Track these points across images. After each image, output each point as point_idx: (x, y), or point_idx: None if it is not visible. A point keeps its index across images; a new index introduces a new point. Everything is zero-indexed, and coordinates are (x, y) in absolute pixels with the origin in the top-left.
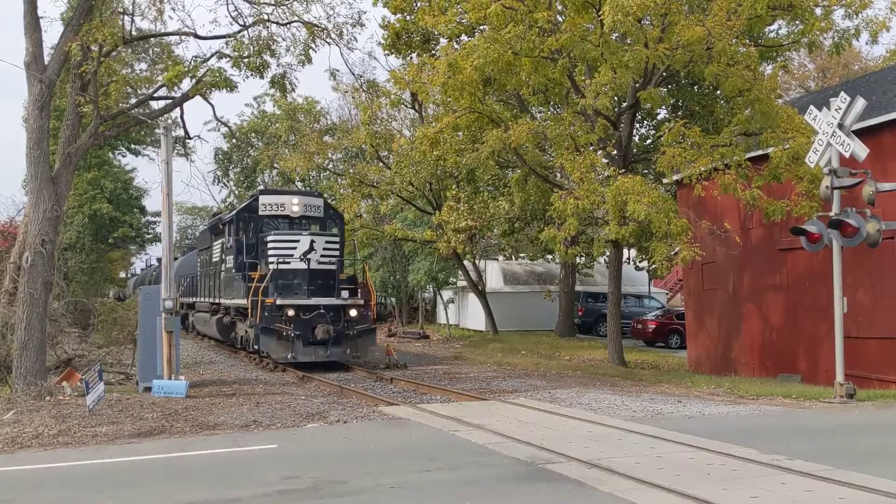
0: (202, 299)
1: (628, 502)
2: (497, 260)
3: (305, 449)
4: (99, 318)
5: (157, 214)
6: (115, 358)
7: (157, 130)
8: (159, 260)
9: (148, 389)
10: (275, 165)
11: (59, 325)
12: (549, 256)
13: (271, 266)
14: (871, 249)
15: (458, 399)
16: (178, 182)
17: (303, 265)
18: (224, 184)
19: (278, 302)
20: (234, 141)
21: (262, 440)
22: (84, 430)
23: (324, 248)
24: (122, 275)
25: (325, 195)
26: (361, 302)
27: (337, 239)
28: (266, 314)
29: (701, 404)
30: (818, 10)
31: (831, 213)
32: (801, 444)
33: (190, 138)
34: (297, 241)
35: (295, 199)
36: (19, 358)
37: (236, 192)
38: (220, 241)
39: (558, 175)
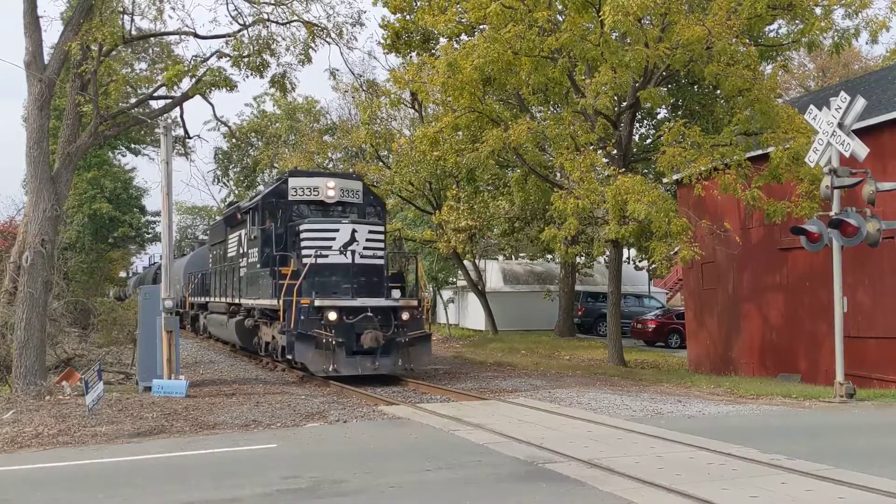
0: (216, 299)
1: (628, 502)
2: (497, 260)
3: (305, 448)
4: (99, 317)
5: (157, 214)
6: (114, 357)
7: (156, 130)
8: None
9: (148, 389)
10: (274, 165)
11: (58, 324)
12: (549, 256)
13: (306, 260)
14: (872, 249)
15: (458, 399)
16: (177, 182)
17: (345, 259)
18: (224, 183)
19: (317, 303)
20: (233, 140)
21: (262, 440)
22: (84, 429)
23: (367, 239)
24: (123, 274)
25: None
26: (415, 303)
27: (382, 228)
28: (302, 318)
29: (701, 404)
30: (818, 10)
31: (831, 213)
32: (801, 443)
33: (190, 138)
34: (337, 230)
35: (331, 182)
36: (19, 357)
37: (236, 192)
38: (239, 232)
39: (558, 175)
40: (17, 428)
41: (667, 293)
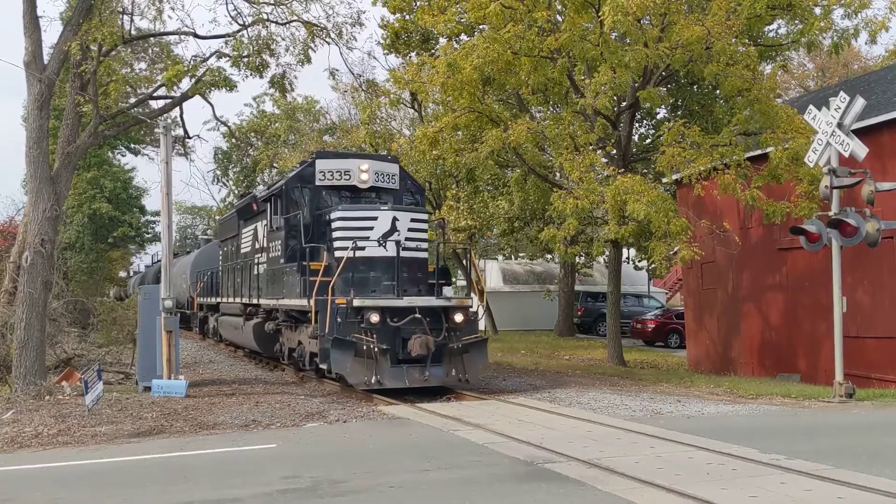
0: (229, 299)
1: (628, 502)
2: (497, 259)
3: (305, 448)
4: (98, 317)
5: (157, 214)
6: (114, 357)
7: (156, 130)
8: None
9: (147, 389)
10: (274, 165)
11: (58, 324)
12: (549, 256)
13: (339, 254)
14: (871, 249)
15: (458, 398)
16: (177, 182)
17: (384, 252)
18: (223, 183)
19: (356, 303)
20: (233, 141)
21: (262, 440)
22: (83, 429)
23: (409, 229)
24: (123, 274)
25: None
26: (469, 303)
27: (426, 216)
28: (339, 320)
29: (700, 404)
30: (817, 10)
31: (831, 213)
32: (801, 443)
33: (189, 138)
34: (375, 218)
35: (364, 164)
36: (19, 357)
37: (236, 192)
38: (255, 225)
39: (558, 175)
40: (16, 428)
41: (666, 293)
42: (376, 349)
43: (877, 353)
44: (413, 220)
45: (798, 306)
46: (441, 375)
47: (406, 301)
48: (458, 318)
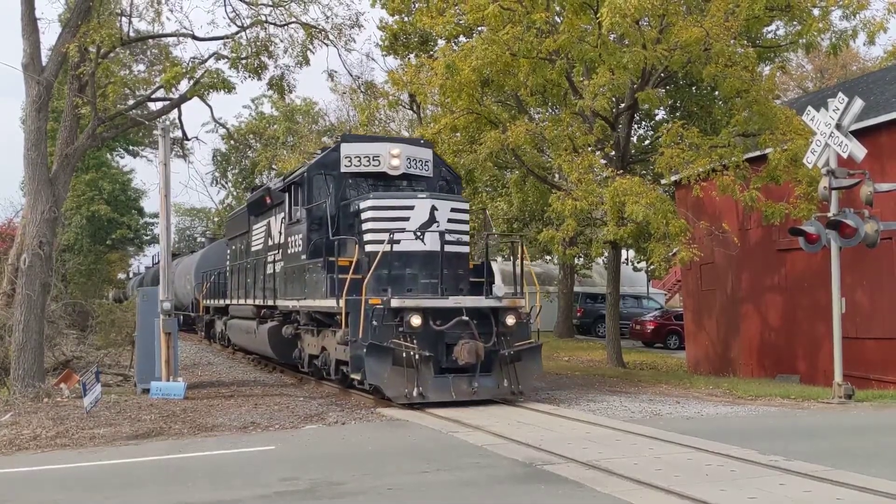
0: (239, 301)
1: (626, 503)
2: (496, 261)
3: (304, 450)
4: (97, 319)
5: (156, 216)
6: (113, 359)
7: (154, 132)
8: (174, 256)
9: (146, 391)
10: (273, 167)
11: (57, 326)
12: (548, 257)
13: (370, 248)
14: (870, 250)
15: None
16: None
17: (426, 246)
18: (222, 185)
19: (394, 304)
20: (232, 142)
21: (261, 442)
22: (82, 431)
23: (449, 220)
24: (122, 276)
25: None
26: (522, 303)
27: (467, 205)
28: (374, 324)
29: (699, 405)
30: (816, 11)
31: (829, 214)
32: (800, 444)
33: (188, 140)
34: (411, 207)
35: (395, 149)
36: (17, 360)
37: (234, 194)
38: (267, 220)
39: (556, 176)
40: (15, 430)
41: (665, 294)
42: (417, 356)
43: (876, 354)
44: (453, 210)
45: (797, 307)
46: (491, 387)
47: (452, 301)
48: (510, 320)
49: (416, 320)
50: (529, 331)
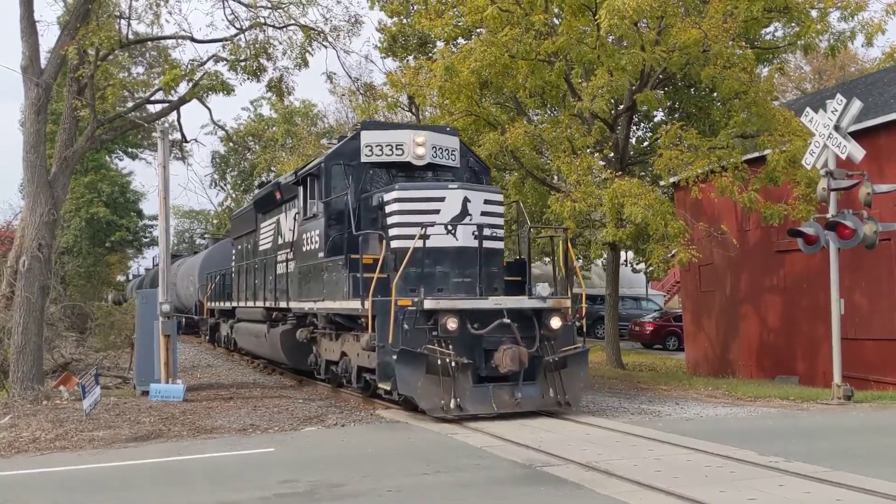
0: (247, 304)
1: None
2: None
3: (303, 452)
4: (96, 321)
5: (155, 218)
6: (112, 362)
7: (153, 134)
8: (174, 258)
9: (145, 393)
10: (272, 169)
11: (56, 328)
12: (547, 259)
13: (396, 244)
14: (868, 251)
15: None
16: (175, 186)
17: (458, 241)
18: (221, 187)
19: (428, 305)
20: (231, 144)
21: (260, 444)
22: (81, 434)
23: (482, 213)
24: (121, 278)
25: None
26: (568, 303)
27: (501, 197)
28: (405, 327)
29: (699, 406)
30: (814, 13)
31: (828, 215)
32: (799, 445)
33: (187, 142)
34: (441, 199)
35: (420, 136)
36: (16, 362)
37: (233, 196)
38: (277, 217)
39: (555, 177)
40: (14, 433)
41: (664, 295)
42: (454, 364)
43: (875, 355)
44: (486, 202)
45: (796, 308)
46: (536, 397)
47: (491, 302)
48: (555, 323)
49: (452, 323)
50: (574, 334)
